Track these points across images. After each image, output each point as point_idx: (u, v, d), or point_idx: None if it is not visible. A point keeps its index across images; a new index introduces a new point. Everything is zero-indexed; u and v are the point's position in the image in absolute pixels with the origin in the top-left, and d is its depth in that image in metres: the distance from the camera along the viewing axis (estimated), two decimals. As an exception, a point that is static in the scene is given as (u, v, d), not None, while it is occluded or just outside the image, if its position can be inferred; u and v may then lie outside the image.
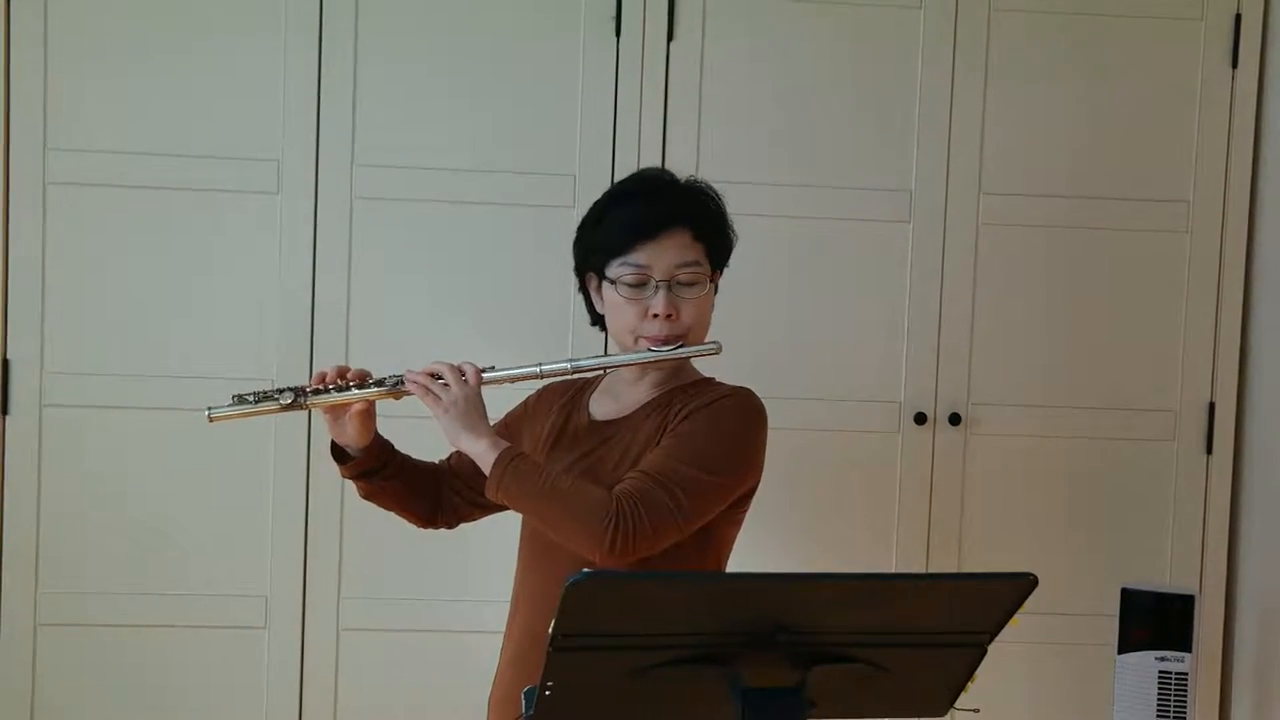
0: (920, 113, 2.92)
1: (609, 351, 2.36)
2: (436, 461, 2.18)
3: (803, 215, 2.91)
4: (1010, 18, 2.92)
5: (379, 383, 1.98)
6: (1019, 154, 2.94)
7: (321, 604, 2.85)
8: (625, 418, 2.01)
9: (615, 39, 2.85)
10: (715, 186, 2.04)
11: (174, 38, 2.79)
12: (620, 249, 1.95)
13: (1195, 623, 2.82)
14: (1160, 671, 2.81)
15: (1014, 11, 2.92)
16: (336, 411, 2.00)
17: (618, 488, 1.86)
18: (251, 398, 2.00)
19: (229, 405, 2.01)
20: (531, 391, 2.18)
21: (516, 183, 2.85)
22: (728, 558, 2.05)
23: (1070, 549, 3.00)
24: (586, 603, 1.44)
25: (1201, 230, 2.99)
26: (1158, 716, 2.81)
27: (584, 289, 2.07)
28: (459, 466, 2.14)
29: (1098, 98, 2.95)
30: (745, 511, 2.02)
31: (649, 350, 1.96)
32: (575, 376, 2.06)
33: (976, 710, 1.83)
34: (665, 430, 1.94)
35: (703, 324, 2.00)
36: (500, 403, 2.13)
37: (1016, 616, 1.56)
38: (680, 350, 1.96)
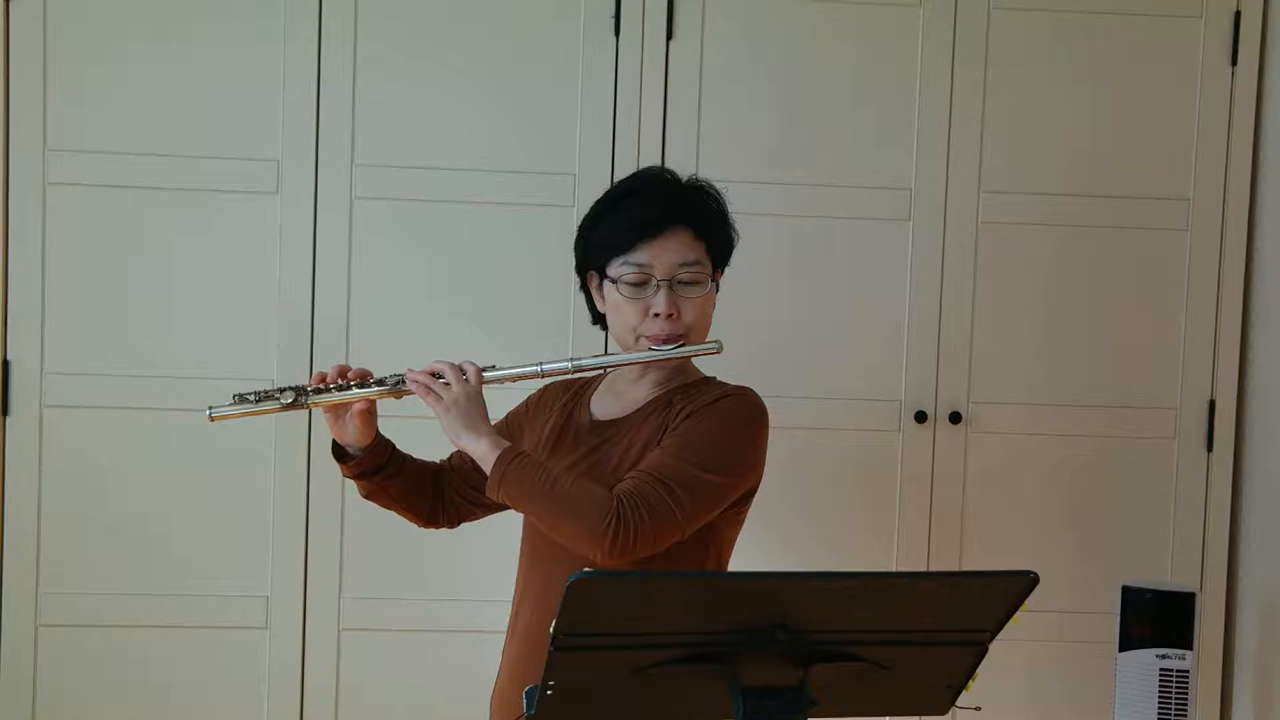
0: (920, 112, 2.92)
1: (610, 351, 2.36)
2: (438, 461, 2.18)
3: (803, 214, 2.91)
4: (1010, 16, 2.92)
5: (380, 382, 1.98)
6: (1019, 153, 2.94)
7: (322, 604, 2.85)
8: (626, 417, 2.01)
9: (615, 38, 2.85)
10: (715, 185, 2.04)
11: (174, 38, 2.79)
12: (621, 248, 1.95)
13: (1196, 620, 2.82)
14: (1161, 669, 2.81)
15: (1014, 10, 2.92)
16: (338, 411, 2.00)
17: (618, 487, 1.86)
18: (252, 397, 2.01)
19: (229, 405, 2.01)
20: (533, 390, 2.18)
21: (516, 182, 2.85)
22: (729, 558, 2.05)
23: (1071, 547, 3.00)
24: (587, 602, 1.44)
25: (1201, 228, 2.99)
26: (1159, 714, 2.81)
27: (585, 288, 2.07)
28: (460, 466, 2.14)
29: (1098, 96, 2.95)
30: (746, 511, 2.02)
31: (650, 349, 1.96)
32: (576, 375, 2.06)
33: (978, 709, 1.83)
34: (666, 430, 1.94)
35: (704, 323, 2.00)
36: (501, 402, 2.13)
37: (1018, 614, 1.56)
38: (681, 349, 1.97)
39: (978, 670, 1.62)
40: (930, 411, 2.94)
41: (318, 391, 1.98)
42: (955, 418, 2.94)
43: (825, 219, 2.92)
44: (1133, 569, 2.97)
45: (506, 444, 1.89)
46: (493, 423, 1.95)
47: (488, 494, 1.90)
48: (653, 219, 1.94)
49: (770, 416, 1.99)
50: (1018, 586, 1.52)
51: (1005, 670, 2.85)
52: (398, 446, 2.10)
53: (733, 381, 2.04)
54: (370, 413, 2.01)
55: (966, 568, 2.88)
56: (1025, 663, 2.97)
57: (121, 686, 2.82)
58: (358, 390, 1.97)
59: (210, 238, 2.81)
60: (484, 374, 1.95)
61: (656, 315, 1.94)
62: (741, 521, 2.03)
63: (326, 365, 2.06)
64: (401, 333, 2.82)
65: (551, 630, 1.46)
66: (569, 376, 2.06)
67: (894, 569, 2.90)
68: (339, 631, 2.86)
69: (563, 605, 1.43)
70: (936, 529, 2.96)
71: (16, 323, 2.78)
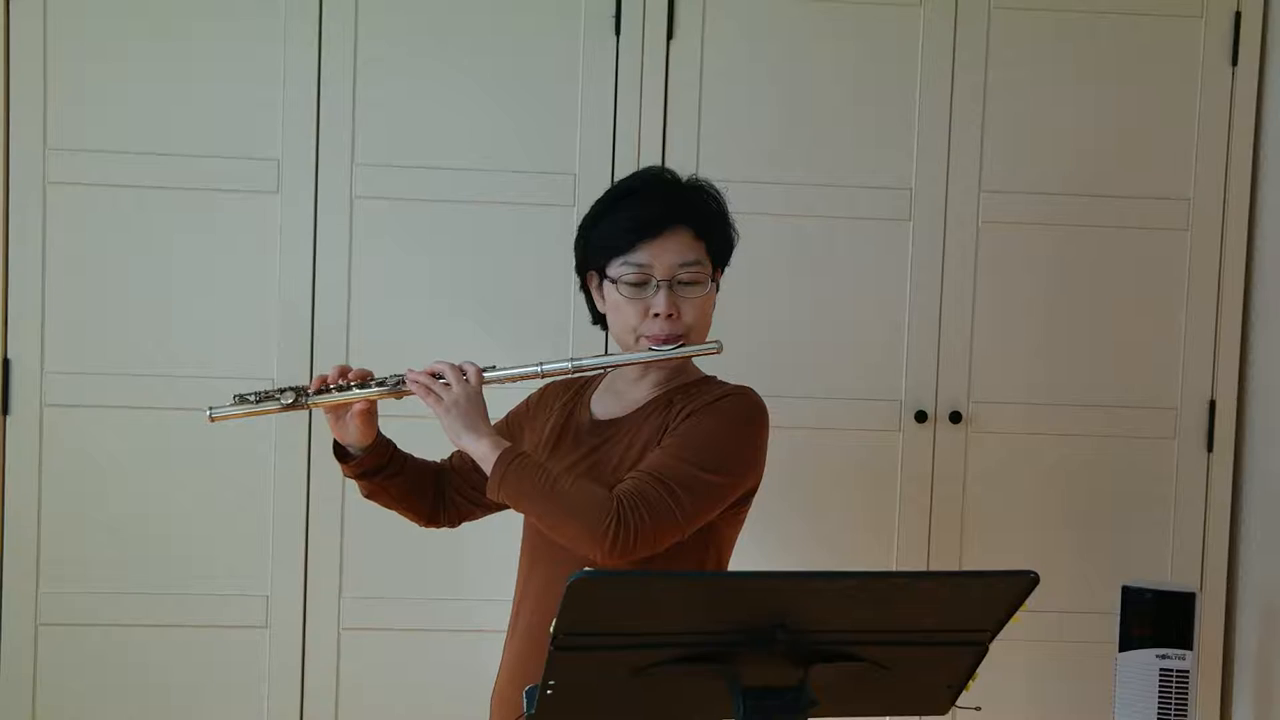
0: (920, 111, 2.92)
1: (610, 350, 2.36)
2: (438, 460, 2.18)
3: (803, 214, 2.91)
4: (1010, 16, 2.92)
5: (380, 382, 1.98)
6: (1019, 152, 2.94)
7: (322, 604, 2.85)
8: (627, 417, 2.01)
9: (615, 38, 2.85)
10: (715, 185, 2.04)
11: (174, 37, 2.78)
12: (622, 248, 1.95)
13: (1196, 620, 2.82)
14: (1161, 669, 2.81)
15: (1014, 10, 2.92)
16: (338, 411, 2.00)
17: (618, 487, 1.86)
18: (253, 397, 2.01)
19: (230, 405, 2.01)
20: (533, 390, 2.18)
21: (517, 182, 2.85)
22: (729, 557, 2.05)
23: (1071, 547, 3.00)
24: (588, 601, 1.44)
25: (1201, 228, 2.99)
26: (1159, 714, 2.81)
27: (585, 288, 2.07)
28: (461, 465, 2.14)
29: (1097, 96, 2.95)
30: (746, 511, 2.02)
31: (650, 349, 1.96)
32: (576, 375, 2.06)
33: (978, 709, 1.83)
34: (666, 430, 1.94)
35: (704, 323, 2.00)
36: (501, 402, 2.13)
37: (1018, 614, 1.56)
38: (681, 349, 1.97)
39: (978, 670, 1.62)
40: (930, 411, 2.94)
41: (318, 392, 1.99)
42: (955, 417, 2.94)
43: (825, 219, 2.92)
44: (1133, 569, 2.97)
45: (507, 444, 1.89)
46: (493, 423, 1.95)
47: (488, 494, 1.90)
48: (653, 219, 1.94)
49: (770, 416, 2.00)
50: (1018, 586, 1.52)
51: (1005, 670, 2.85)
52: (398, 446, 2.11)
53: (733, 381, 2.04)
54: (371, 413, 2.01)
55: (966, 568, 2.88)
56: (1025, 663, 2.97)
57: (121, 686, 2.82)
58: (358, 391, 1.97)
59: (211, 237, 2.81)
60: (484, 374, 1.95)
61: (656, 315, 1.94)
62: (741, 521, 2.03)
63: (327, 365, 2.06)
64: (402, 332, 2.82)
65: (552, 630, 1.46)
66: (569, 376, 2.06)
67: (894, 569, 2.90)
68: (339, 631, 2.86)
69: (563, 605, 1.43)
70: (936, 529, 2.96)
71: (16, 322, 2.78)
